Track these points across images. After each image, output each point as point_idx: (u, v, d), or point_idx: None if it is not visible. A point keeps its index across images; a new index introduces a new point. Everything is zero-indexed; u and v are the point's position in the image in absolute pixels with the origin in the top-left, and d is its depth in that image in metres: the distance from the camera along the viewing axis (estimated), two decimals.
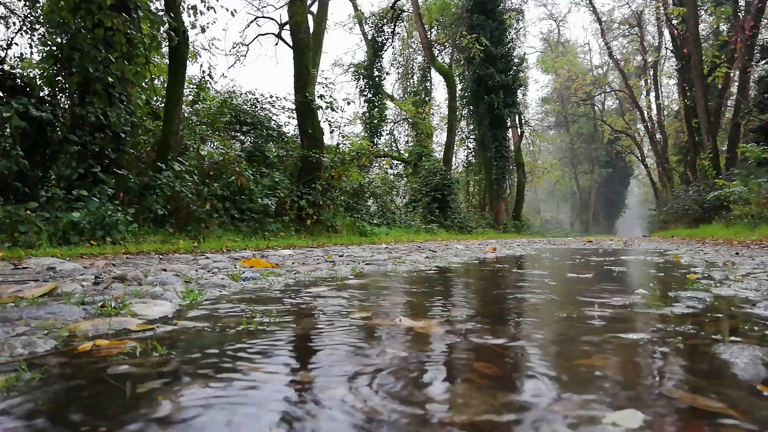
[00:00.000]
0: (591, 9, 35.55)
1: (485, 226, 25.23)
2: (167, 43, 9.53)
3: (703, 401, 0.88)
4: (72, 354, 1.21)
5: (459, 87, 28.14)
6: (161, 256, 5.34)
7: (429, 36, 27.27)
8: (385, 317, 1.72)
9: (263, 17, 24.24)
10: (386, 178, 21.59)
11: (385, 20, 28.86)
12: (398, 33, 30.42)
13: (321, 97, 13.55)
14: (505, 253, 7.02)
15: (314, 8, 19.84)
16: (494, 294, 2.54)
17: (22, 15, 8.99)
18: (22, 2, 9.05)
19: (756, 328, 1.51)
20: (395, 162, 27.19)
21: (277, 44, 30.51)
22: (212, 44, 22.98)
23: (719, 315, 1.78)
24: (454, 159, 29.22)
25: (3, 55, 8.01)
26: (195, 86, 13.63)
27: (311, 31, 16.60)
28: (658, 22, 33.79)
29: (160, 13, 9.15)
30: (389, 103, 30.05)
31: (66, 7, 7.53)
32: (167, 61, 10.28)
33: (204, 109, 13.07)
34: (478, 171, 30.63)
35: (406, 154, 27.04)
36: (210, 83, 14.05)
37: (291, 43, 14.04)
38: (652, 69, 36.17)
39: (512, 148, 29.81)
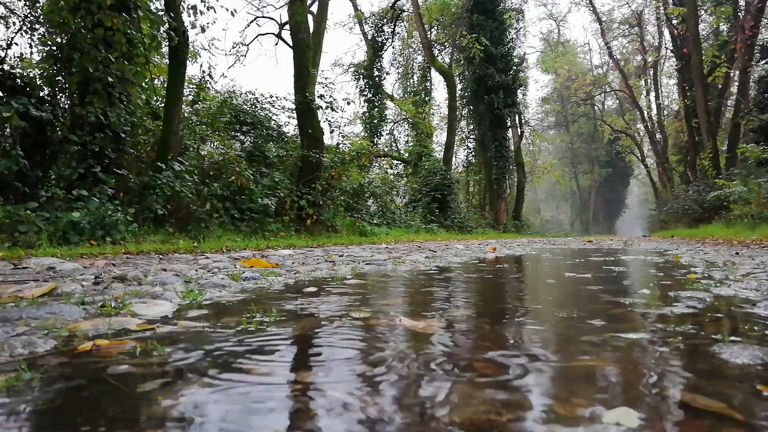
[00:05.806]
0: (591, 9, 35.62)
1: (485, 226, 25.22)
2: (167, 43, 9.53)
3: (703, 401, 0.88)
4: (72, 354, 1.21)
5: (459, 87, 28.13)
6: (161, 256, 5.34)
7: (429, 36, 27.25)
8: (385, 317, 1.73)
9: (263, 17, 24.20)
10: (386, 178, 21.58)
11: (385, 20, 28.85)
12: (398, 33, 30.41)
13: (321, 97, 13.54)
14: (505, 253, 7.01)
15: (314, 8, 19.81)
16: (494, 294, 2.54)
17: (22, 15, 8.99)
18: (22, 2, 9.06)
19: (756, 328, 1.51)
20: (395, 162, 27.19)
21: (277, 44, 30.49)
22: (212, 44, 22.93)
23: (719, 315, 1.78)
24: (454, 159, 29.23)
25: (3, 55, 8.01)
26: (195, 86, 13.64)
27: (311, 31, 16.57)
28: (658, 22, 33.79)
29: (160, 13, 9.15)
30: (389, 103, 30.03)
31: (66, 7, 7.53)
32: (167, 61, 10.28)
33: (204, 109, 13.07)
34: (478, 171, 30.63)
35: (406, 154, 27.04)
36: (210, 83, 14.06)
37: (291, 43, 14.03)
38: (652, 69, 36.17)
39: (512, 148, 29.79)
